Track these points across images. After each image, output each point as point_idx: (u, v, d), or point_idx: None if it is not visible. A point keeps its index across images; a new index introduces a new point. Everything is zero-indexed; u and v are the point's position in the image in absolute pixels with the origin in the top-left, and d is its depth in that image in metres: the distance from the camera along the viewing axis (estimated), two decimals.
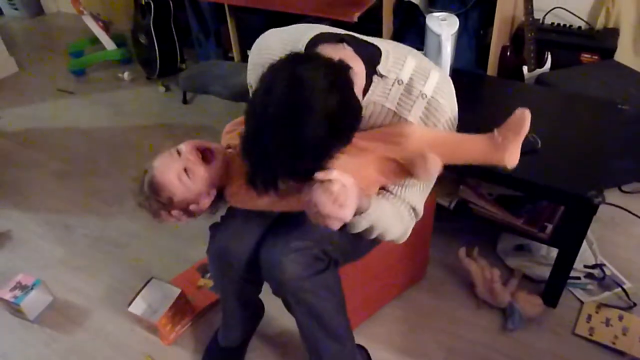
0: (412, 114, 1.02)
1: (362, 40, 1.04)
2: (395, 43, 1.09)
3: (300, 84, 0.81)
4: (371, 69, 1.00)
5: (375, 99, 1.03)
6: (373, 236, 1.08)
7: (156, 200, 1.07)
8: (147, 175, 1.08)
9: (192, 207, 1.09)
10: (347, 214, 0.89)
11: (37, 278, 1.70)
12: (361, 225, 1.02)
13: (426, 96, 1.01)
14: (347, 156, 0.93)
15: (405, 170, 1.00)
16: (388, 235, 1.09)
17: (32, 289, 1.67)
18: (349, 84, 0.88)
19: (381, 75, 1.01)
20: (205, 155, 1.08)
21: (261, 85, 0.85)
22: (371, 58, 1.00)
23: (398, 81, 1.02)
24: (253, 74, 1.13)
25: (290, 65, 0.84)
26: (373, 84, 1.02)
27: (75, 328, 1.66)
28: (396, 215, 1.09)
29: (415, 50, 1.08)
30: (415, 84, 1.01)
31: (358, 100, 0.91)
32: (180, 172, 1.04)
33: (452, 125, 1.05)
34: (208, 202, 1.10)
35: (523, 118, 0.94)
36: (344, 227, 0.96)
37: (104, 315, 1.69)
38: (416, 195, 1.10)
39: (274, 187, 0.89)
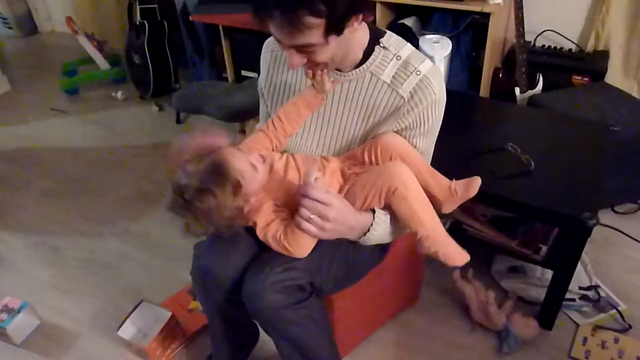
0: (403, 88, 1.09)
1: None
2: None
3: None
4: (375, 41, 1.09)
5: (373, 70, 1.10)
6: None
7: (220, 189, 0.98)
8: (206, 158, 1.01)
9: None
10: (336, 201, 0.99)
11: (24, 301, 1.67)
12: (374, 239, 1.09)
13: (420, 73, 1.07)
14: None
15: None
16: None
17: (18, 312, 1.63)
18: None
19: (383, 47, 1.09)
20: None
21: None
22: (377, 33, 1.10)
23: (397, 57, 1.09)
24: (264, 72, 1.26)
25: None
26: (374, 53, 1.09)
27: (62, 353, 1.61)
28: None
29: None
30: (412, 61, 1.09)
31: None
32: (250, 161, 1.05)
33: (435, 109, 1.10)
34: (247, 209, 1.06)
35: (476, 184, 1.10)
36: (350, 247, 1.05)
37: (93, 339, 1.65)
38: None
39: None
